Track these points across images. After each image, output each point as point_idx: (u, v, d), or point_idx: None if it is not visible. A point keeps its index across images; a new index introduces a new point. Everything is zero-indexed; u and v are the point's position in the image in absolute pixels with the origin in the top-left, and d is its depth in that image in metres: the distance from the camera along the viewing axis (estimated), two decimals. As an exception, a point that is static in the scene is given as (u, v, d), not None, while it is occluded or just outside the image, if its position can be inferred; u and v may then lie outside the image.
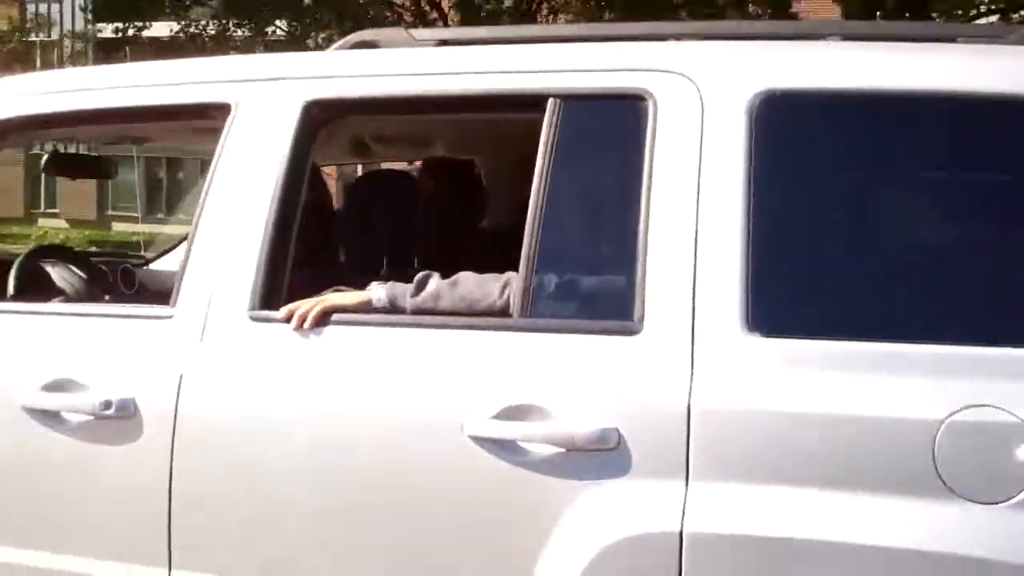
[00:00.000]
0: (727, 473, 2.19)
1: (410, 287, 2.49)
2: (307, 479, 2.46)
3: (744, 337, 2.24)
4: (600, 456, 2.26)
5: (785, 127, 2.34)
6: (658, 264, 2.32)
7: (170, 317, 2.65)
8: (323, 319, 2.50)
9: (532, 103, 2.51)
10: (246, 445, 2.52)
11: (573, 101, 2.48)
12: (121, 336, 2.70)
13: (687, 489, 2.20)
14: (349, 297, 2.53)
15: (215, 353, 2.58)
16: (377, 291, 2.51)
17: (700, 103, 2.38)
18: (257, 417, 2.51)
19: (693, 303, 2.28)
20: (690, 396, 2.23)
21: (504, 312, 2.44)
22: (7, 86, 3.05)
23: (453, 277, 2.50)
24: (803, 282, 2.31)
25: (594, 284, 2.45)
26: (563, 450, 2.28)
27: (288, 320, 2.52)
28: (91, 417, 2.63)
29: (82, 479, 2.64)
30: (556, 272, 2.42)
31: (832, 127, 2.36)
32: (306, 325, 2.49)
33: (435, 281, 2.48)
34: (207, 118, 2.80)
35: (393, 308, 2.50)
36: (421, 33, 2.85)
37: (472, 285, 2.48)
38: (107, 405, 2.59)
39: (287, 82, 2.71)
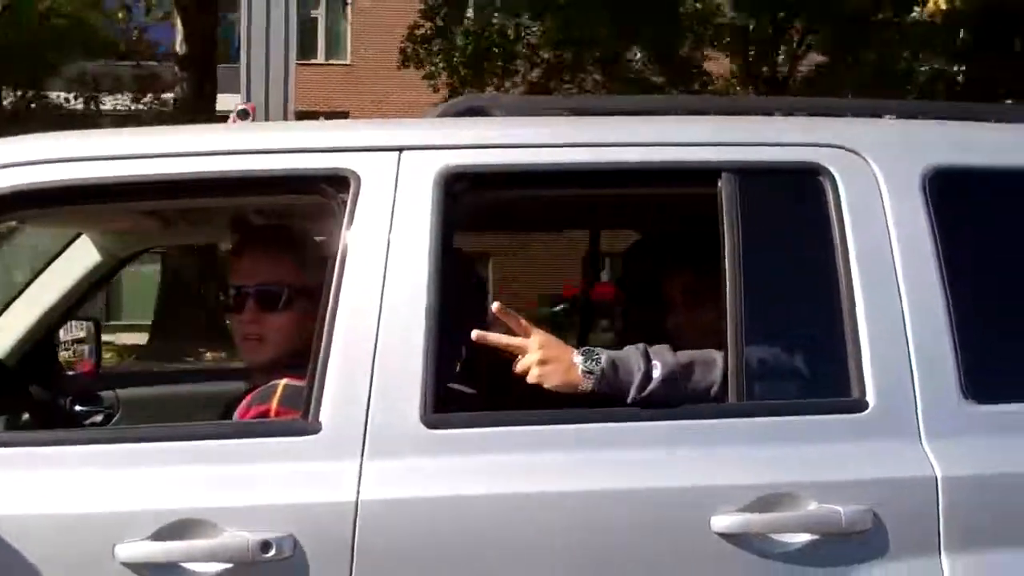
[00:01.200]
0: (978, 541, 2.28)
1: (634, 375, 2.29)
2: None
3: (962, 406, 2.33)
4: (855, 539, 2.25)
5: (956, 201, 2.45)
6: (874, 339, 2.34)
7: (316, 432, 2.23)
8: None
9: (698, 177, 2.42)
10: (446, 567, 2.20)
11: (749, 175, 2.41)
12: (247, 459, 2.23)
13: (942, 561, 2.26)
14: (552, 372, 2.28)
15: (387, 471, 2.22)
16: (588, 373, 2.28)
17: (875, 179, 2.43)
18: (450, 536, 2.21)
19: (912, 377, 2.33)
20: (934, 468, 2.28)
21: (719, 397, 2.34)
22: (51, 145, 2.38)
23: (681, 359, 2.34)
24: (1003, 348, 2.44)
25: (808, 362, 2.40)
26: (819, 537, 2.24)
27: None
28: (229, 566, 2.15)
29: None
30: (768, 352, 2.36)
31: (998, 200, 2.51)
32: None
33: (662, 368, 2.30)
34: (312, 192, 2.38)
35: (603, 391, 2.29)
36: (537, 100, 2.62)
37: (698, 370, 2.34)
38: (265, 547, 2.14)
39: (417, 152, 2.37)
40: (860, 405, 2.32)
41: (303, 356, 2.51)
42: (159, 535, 2.14)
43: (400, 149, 2.39)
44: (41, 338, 3.65)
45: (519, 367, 2.31)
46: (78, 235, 3.60)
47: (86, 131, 2.47)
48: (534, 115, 2.65)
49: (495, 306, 2.33)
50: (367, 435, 2.24)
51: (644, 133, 2.52)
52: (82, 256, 3.62)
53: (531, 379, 2.28)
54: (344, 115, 24.69)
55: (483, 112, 2.61)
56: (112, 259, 3.64)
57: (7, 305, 3.65)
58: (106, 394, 3.56)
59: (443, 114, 2.64)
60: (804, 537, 2.24)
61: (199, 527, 2.16)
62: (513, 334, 2.35)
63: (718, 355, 2.39)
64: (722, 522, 2.22)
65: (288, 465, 2.22)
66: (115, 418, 3.52)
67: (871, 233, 2.39)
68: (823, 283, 2.38)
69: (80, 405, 3.51)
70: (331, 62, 28.45)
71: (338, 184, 2.37)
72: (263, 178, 2.40)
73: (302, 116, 13.05)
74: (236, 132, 2.53)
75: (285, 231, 2.71)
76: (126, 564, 2.13)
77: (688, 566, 2.24)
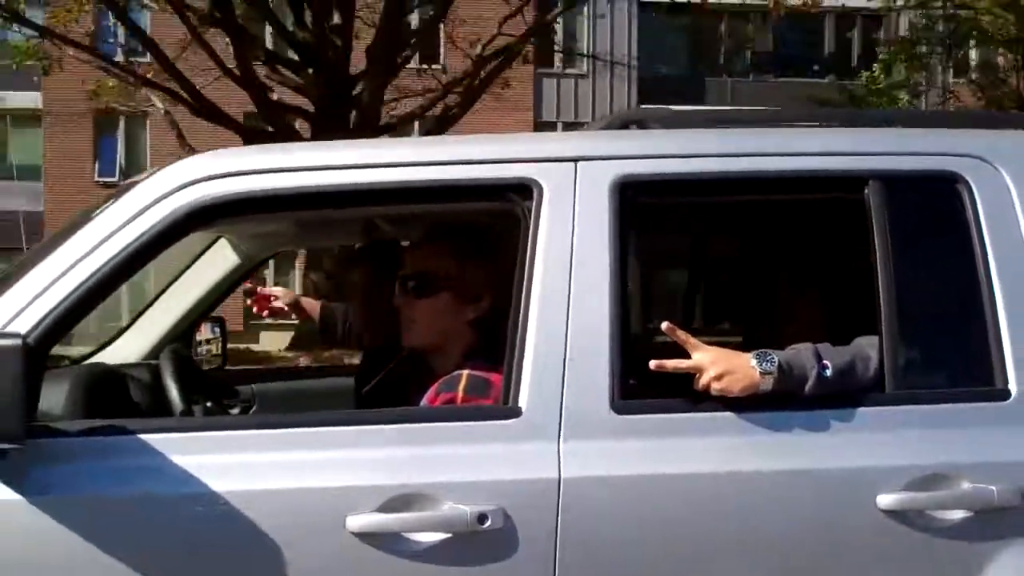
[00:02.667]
0: None
1: (808, 373, 2.51)
2: (718, 565, 2.45)
3: None
4: (1007, 516, 2.49)
5: None
6: (1015, 334, 2.57)
7: (517, 417, 2.46)
8: None
9: (845, 185, 2.67)
10: (639, 545, 2.44)
11: (893, 182, 2.65)
12: (456, 440, 2.46)
13: None
14: (733, 382, 2.49)
15: (583, 452, 2.45)
16: (767, 373, 2.49)
17: (1006, 185, 2.66)
18: (643, 511, 2.44)
19: None
20: None
21: (875, 387, 2.57)
22: (238, 158, 2.60)
23: (843, 356, 2.56)
24: None
25: (955, 355, 2.64)
26: (972, 514, 2.48)
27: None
28: (449, 535, 2.38)
29: (437, 604, 2.39)
30: (920, 346, 2.59)
31: None
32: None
33: (831, 367, 2.52)
34: (498, 199, 2.61)
35: (780, 390, 2.52)
36: (687, 112, 2.85)
37: (859, 364, 2.56)
38: (482, 519, 2.37)
39: (593, 162, 2.60)
40: (1004, 394, 2.55)
41: (485, 346, 2.76)
42: (385, 508, 2.37)
43: (576, 160, 2.62)
44: (179, 337, 3.88)
45: (700, 385, 2.50)
46: (218, 238, 3.82)
47: (289, 144, 2.68)
48: (689, 127, 2.88)
49: (664, 325, 2.53)
50: (562, 419, 2.46)
51: (801, 144, 2.76)
52: (221, 258, 3.85)
53: (715, 392, 2.48)
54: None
55: (642, 124, 2.84)
56: (250, 261, 3.87)
57: (149, 305, 3.88)
58: (242, 388, 3.77)
59: (607, 127, 2.86)
60: (959, 514, 2.47)
61: (420, 501, 2.38)
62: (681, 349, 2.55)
63: (870, 349, 2.62)
64: (885, 499, 2.45)
65: (494, 446, 2.45)
66: (251, 411, 3.73)
67: (1005, 232, 2.62)
68: (968, 282, 2.61)
69: (219, 400, 3.71)
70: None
71: (522, 192, 2.60)
72: (455, 187, 2.63)
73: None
74: (427, 145, 2.76)
75: (445, 225, 2.93)
76: (355, 534, 2.35)
77: (858, 540, 2.47)
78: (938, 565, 2.48)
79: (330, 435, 2.47)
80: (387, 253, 3.68)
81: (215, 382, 3.81)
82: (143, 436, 2.41)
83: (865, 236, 2.63)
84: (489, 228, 2.93)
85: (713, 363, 2.50)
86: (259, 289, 4.18)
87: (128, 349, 3.77)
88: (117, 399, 3.14)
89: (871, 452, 2.50)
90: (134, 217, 2.50)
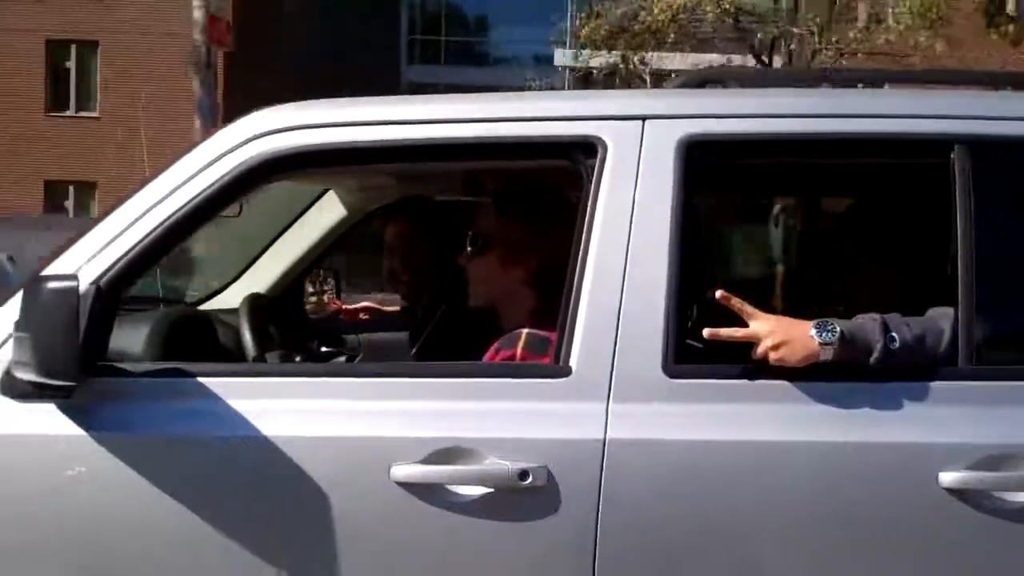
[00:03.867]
0: None
1: (872, 344, 2.41)
2: (764, 535, 2.39)
3: None
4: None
5: None
6: None
7: (567, 376, 2.45)
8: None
9: (928, 149, 2.55)
10: (684, 510, 2.39)
11: (977, 147, 2.51)
12: (504, 397, 2.46)
13: None
14: (791, 352, 2.42)
15: (632, 414, 2.41)
16: (827, 343, 2.40)
17: None
18: (691, 477, 2.39)
19: None
20: None
21: (949, 361, 2.45)
22: (323, 110, 2.65)
23: (913, 328, 2.46)
24: None
25: None
26: None
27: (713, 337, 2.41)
28: (491, 490, 2.39)
29: (477, 559, 2.40)
30: (998, 319, 2.46)
31: None
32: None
33: (899, 339, 2.42)
34: (562, 157, 2.58)
35: (842, 360, 2.43)
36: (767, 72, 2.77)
37: (930, 338, 2.45)
38: (523, 475, 2.37)
39: (660, 121, 2.55)
40: None
41: (542, 309, 2.75)
42: (429, 459, 2.39)
43: (644, 118, 2.57)
44: (289, 288, 3.98)
45: (757, 354, 2.42)
46: (325, 191, 3.90)
47: (361, 99, 2.70)
48: (765, 86, 2.79)
49: (718, 294, 2.46)
50: (612, 381, 2.43)
51: (880, 104, 2.64)
52: (329, 211, 3.92)
53: (773, 362, 2.41)
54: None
55: (720, 83, 2.76)
56: (357, 213, 3.94)
57: (258, 256, 3.99)
58: (350, 338, 3.85)
59: (683, 85, 2.80)
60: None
61: (464, 454, 2.40)
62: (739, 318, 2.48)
63: (943, 321, 2.50)
64: (948, 477, 2.34)
65: (542, 404, 2.44)
66: (357, 359, 3.80)
67: None
68: None
69: (327, 347, 3.79)
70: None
71: (586, 150, 2.56)
72: (519, 143, 2.61)
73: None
74: (494, 101, 2.74)
75: (497, 184, 2.93)
76: (399, 483, 2.38)
77: (915, 518, 2.37)
78: (1000, 549, 2.37)
79: (384, 385, 2.50)
80: (421, 209, 3.70)
81: (322, 330, 3.90)
82: (201, 379, 2.48)
83: (948, 204, 2.51)
84: (545, 188, 2.91)
85: (770, 333, 2.43)
86: (344, 307, 4.22)
87: (236, 297, 3.89)
88: (203, 343, 3.24)
89: (935, 428, 2.39)
90: (205, 167, 2.57)
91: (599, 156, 2.54)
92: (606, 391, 2.44)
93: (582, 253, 2.51)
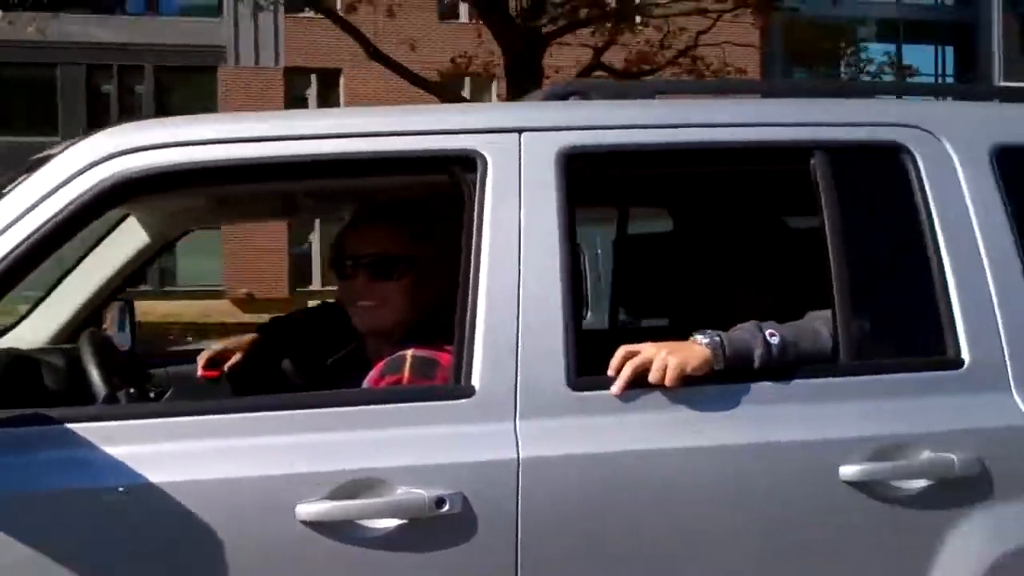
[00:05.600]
0: None
1: (753, 344, 2.45)
2: (685, 543, 2.39)
3: None
4: (967, 484, 2.46)
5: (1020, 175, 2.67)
6: (964, 304, 2.54)
7: (471, 396, 2.36)
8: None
9: (790, 156, 2.62)
10: (602, 524, 2.35)
11: (837, 153, 2.60)
12: (408, 422, 2.34)
13: None
14: (687, 357, 2.42)
15: (541, 431, 2.35)
16: (714, 347, 2.43)
17: (949, 155, 2.64)
18: (607, 491, 2.36)
19: (1000, 339, 2.55)
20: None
21: (831, 358, 2.52)
22: (185, 127, 2.43)
23: (789, 328, 2.51)
24: None
25: (907, 325, 2.61)
26: (932, 483, 2.45)
27: (625, 388, 2.38)
28: (404, 521, 2.27)
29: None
30: (873, 317, 2.55)
31: None
32: (669, 385, 2.37)
33: (779, 336, 2.47)
34: (441, 171, 2.49)
35: (731, 365, 2.45)
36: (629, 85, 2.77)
37: (810, 337, 2.51)
38: (440, 503, 2.26)
39: (537, 133, 2.50)
40: (957, 363, 2.52)
41: (424, 326, 2.64)
42: (336, 494, 2.24)
43: (520, 131, 2.51)
44: (87, 319, 3.67)
45: (654, 370, 2.39)
46: (125, 216, 3.62)
47: (214, 115, 2.53)
48: (627, 98, 2.79)
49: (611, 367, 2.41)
50: (518, 398, 2.36)
51: (741, 114, 2.69)
52: (129, 237, 3.65)
53: (673, 370, 2.38)
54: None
55: (583, 95, 2.74)
56: (160, 240, 3.69)
57: (54, 286, 3.66)
58: (157, 372, 3.58)
59: (549, 97, 2.76)
60: (921, 483, 2.44)
61: (373, 486, 2.26)
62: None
63: (817, 322, 2.57)
64: (850, 471, 2.41)
65: (447, 427, 2.34)
66: (167, 395, 3.55)
67: (946, 202, 2.59)
68: (915, 252, 2.58)
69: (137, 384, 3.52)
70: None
71: (466, 164, 2.48)
72: (397, 158, 2.50)
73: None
74: (366, 115, 2.62)
75: (399, 205, 2.81)
76: (306, 523, 2.22)
77: (820, 512, 2.42)
78: (902, 535, 2.45)
79: (273, 420, 2.33)
80: None
81: (129, 366, 3.62)
82: (68, 425, 2.24)
83: (812, 209, 2.58)
84: (435, 206, 2.81)
85: (660, 347, 2.43)
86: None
87: (33, 333, 3.56)
88: (29, 385, 2.94)
89: (832, 423, 2.45)
90: (51, 192, 2.32)
91: (479, 170, 2.47)
92: (512, 409, 2.36)
93: (473, 270, 2.43)
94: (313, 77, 29.24)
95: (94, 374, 2.68)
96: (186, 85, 29.23)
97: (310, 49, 28.31)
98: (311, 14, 24.21)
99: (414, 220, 2.76)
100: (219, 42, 28.78)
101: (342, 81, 29.03)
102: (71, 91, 28.14)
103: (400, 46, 17.89)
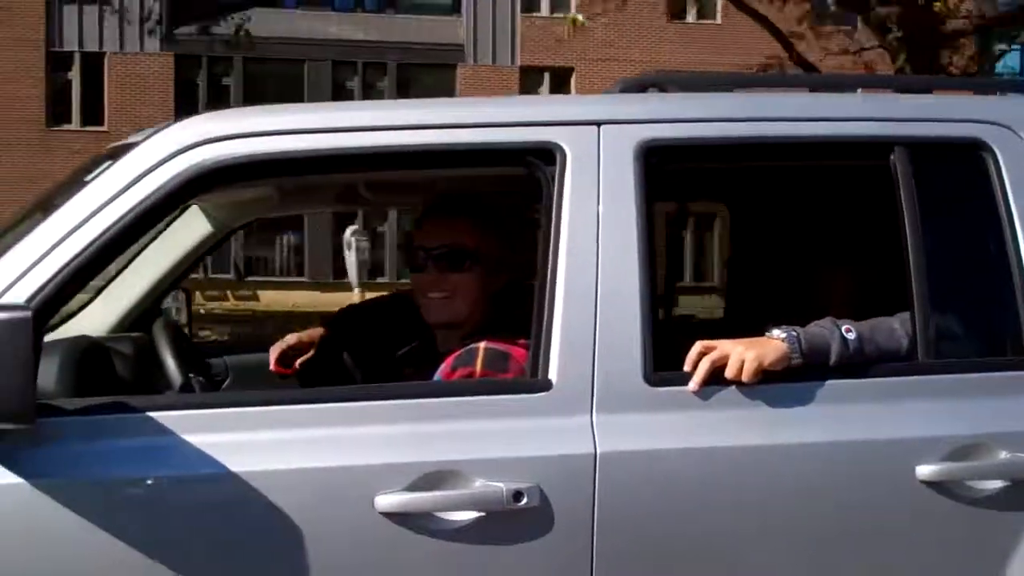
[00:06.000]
0: None
1: (830, 340, 2.44)
2: (763, 540, 2.38)
3: None
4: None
5: None
6: None
7: (548, 390, 2.35)
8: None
9: (870, 151, 2.60)
10: (676, 520, 2.35)
11: (917, 149, 2.58)
12: (486, 415, 2.34)
13: None
14: (764, 352, 2.41)
15: (617, 425, 2.35)
16: (792, 342, 2.42)
17: None
18: (683, 486, 2.36)
19: None
20: None
21: (908, 356, 2.50)
22: (264, 117, 2.44)
23: (864, 324, 2.50)
24: None
25: (986, 322, 2.59)
26: (1009, 483, 2.43)
27: (703, 384, 2.37)
28: (482, 514, 2.27)
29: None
30: (952, 315, 2.54)
31: None
32: (747, 380, 2.36)
33: (855, 332, 2.46)
34: (518, 164, 2.49)
35: (809, 361, 2.44)
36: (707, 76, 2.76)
37: (885, 335, 2.50)
38: (518, 496, 2.26)
39: (617, 126, 2.49)
40: None
41: (495, 319, 2.64)
42: (415, 486, 2.25)
43: (599, 123, 2.51)
44: (149, 308, 3.69)
45: (732, 365, 2.38)
46: (188, 205, 3.64)
47: (296, 104, 2.53)
48: (705, 90, 2.78)
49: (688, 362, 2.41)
50: (594, 392, 2.36)
51: (821, 108, 2.68)
52: (191, 226, 3.67)
53: (750, 365, 2.37)
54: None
55: (661, 87, 2.74)
56: (223, 229, 3.70)
57: (116, 275, 3.68)
58: (215, 361, 3.60)
59: (624, 89, 2.76)
60: (997, 483, 2.43)
61: (451, 478, 2.27)
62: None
63: (892, 320, 2.55)
64: (926, 471, 2.39)
65: (525, 420, 2.34)
66: (225, 384, 3.56)
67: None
68: (999, 250, 2.55)
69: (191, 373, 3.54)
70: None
71: (544, 157, 2.48)
72: (473, 151, 2.50)
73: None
74: (444, 107, 2.62)
75: (468, 197, 2.80)
76: (385, 514, 2.23)
77: (895, 512, 2.41)
78: (978, 535, 2.44)
79: (352, 411, 2.34)
80: None
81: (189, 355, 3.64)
82: (151, 413, 2.25)
83: (892, 204, 2.56)
84: (505, 198, 2.81)
85: (737, 343, 2.42)
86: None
87: (95, 321, 3.58)
88: (104, 373, 2.96)
89: (909, 422, 2.44)
90: (135, 181, 2.33)
91: (558, 163, 2.46)
92: (588, 403, 2.36)
93: (551, 262, 2.42)
94: (546, 76, 30.02)
95: (169, 363, 2.69)
96: (426, 81, 29.67)
97: (543, 48, 29.12)
98: (544, 14, 27.38)
99: (483, 212, 2.76)
100: (458, 40, 29.53)
101: (573, 80, 29.81)
102: (317, 85, 28.70)
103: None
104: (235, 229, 3.78)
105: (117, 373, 3.10)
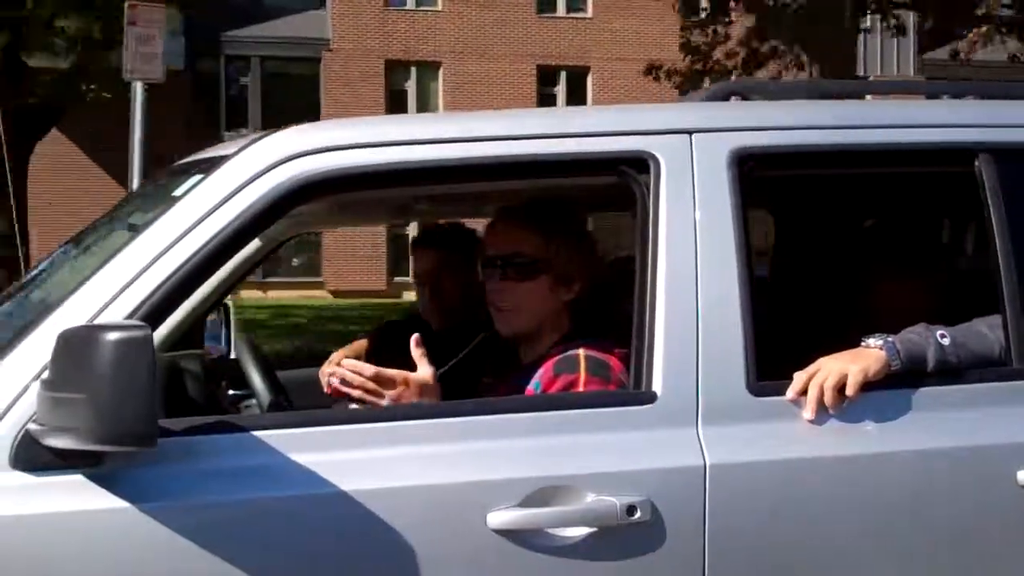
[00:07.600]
0: None
1: (926, 345, 2.42)
2: (872, 549, 2.36)
3: None
4: None
5: None
6: None
7: (653, 402, 2.33)
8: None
9: (955, 157, 2.60)
10: (786, 532, 2.33)
11: (1002, 155, 2.57)
12: (592, 428, 2.31)
13: None
14: (867, 364, 2.39)
15: (724, 437, 2.32)
16: (889, 349, 2.41)
17: None
18: (793, 497, 2.34)
19: None
20: None
21: (998, 361, 2.49)
22: (357, 129, 2.39)
23: (957, 330, 2.48)
24: None
25: None
26: None
27: (802, 394, 2.36)
28: (594, 529, 2.23)
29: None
30: None
31: None
32: (851, 394, 2.34)
33: (949, 337, 2.45)
34: (610, 173, 2.46)
35: (907, 368, 2.43)
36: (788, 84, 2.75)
37: (976, 339, 2.48)
38: (631, 511, 2.23)
39: (709, 134, 2.47)
40: None
41: (582, 327, 2.61)
42: (527, 502, 2.21)
43: (691, 132, 2.49)
44: (196, 323, 3.64)
45: (829, 386, 2.36)
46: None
47: (389, 116, 2.49)
48: (787, 98, 2.76)
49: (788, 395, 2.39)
50: (699, 403, 2.33)
51: (908, 115, 2.67)
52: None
53: (855, 379, 2.36)
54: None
55: (743, 96, 2.72)
56: (271, 244, 3.65)
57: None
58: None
59: (709, 98, 2.73)
60: None
61: (563, 493, 2.23)
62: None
63: (981, 325, 2.54)
64: None
65: (632, 432, 2.31)
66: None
67: None
68: None
69: (233, 389, 3.48)
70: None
71: (638, 166, 2.45)
72: (566, 161, 2.47)
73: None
74: (536, 117, 2.59)
75: (532, 205, 2.77)
76: (497, 531, 2.19)
77: (997, 518, 2.40)
78: None
79: (464, 425, 2.30)
80: (459, 237, 3.50)
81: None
82: (255, 433, 2.21)
83: (977, 210, 2.55)
84: (577, 205, 2.78)
85: (835, 359, 2.41)
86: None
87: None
88: (179, 391, 2.90)
89: (1007, 428, 2.43)
90: (232, 195, 2.29)
91: (652, 172, 2.44)
92: (694, 415, 2.33)
93: (651, 274, 2.40)
94: (563, 74, 31.14)
95: (257, 382, 2.64)
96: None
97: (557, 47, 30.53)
98: (561, 13, 29.83)
99: (549, 220, 2.72)
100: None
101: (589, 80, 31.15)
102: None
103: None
104: (281, 243, 3.73)
105: (187, 392, 3.04)
